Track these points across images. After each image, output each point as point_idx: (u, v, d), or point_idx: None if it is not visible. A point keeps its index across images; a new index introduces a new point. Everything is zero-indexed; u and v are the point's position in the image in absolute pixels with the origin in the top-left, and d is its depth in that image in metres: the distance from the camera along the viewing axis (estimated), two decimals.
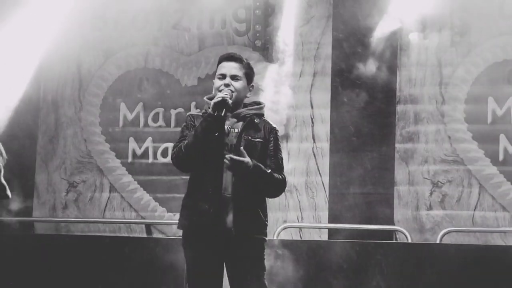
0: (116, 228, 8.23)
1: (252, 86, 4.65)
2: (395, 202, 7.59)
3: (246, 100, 4.66)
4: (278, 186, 4.56)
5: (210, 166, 4.45)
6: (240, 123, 4.56)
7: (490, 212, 7.40)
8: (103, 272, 6.83)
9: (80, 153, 8.47)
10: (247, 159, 4.38)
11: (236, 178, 4.44)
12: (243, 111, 4.58)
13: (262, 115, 4.66)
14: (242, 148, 4.42)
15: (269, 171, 4.47)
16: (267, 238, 4.59)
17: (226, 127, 4.51)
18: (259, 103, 4.70)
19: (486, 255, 6.25)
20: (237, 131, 4.52)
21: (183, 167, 4.58)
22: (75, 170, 8.45)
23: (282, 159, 4.62)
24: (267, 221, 4.58)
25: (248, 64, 4.64)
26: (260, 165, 4.45)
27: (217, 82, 4.57)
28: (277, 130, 4.65)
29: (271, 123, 4.66)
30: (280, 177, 4.55)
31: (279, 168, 4.57)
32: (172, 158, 4.58)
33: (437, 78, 7.63)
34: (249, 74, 4.62)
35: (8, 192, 4.67)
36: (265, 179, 4.47)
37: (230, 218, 4.42)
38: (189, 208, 4.53)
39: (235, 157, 4.36)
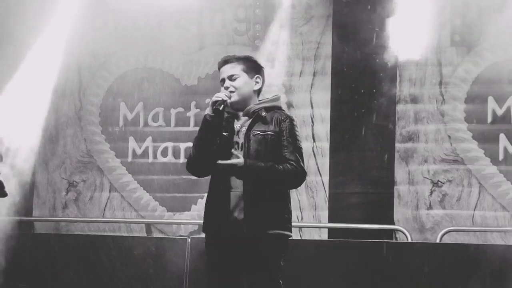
0: (116, 228, 8.23)
1: (258, 77, 4.52)
2: (395, 201, 7.58)
3: (261, 96, 4.57)
4: (288, 178, 4.35)
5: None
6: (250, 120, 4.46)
7: (490, 211, 7.39)
8: (103, 271, 6.83)
9: (80, 152, 8.47)
10: (236, 160, 4.27)
11: None
12: (251, 107, 4.47)
13: (274, 107, 4.52)
14: (233, 150, 4.33)
15: (269, 164, 4.30)
16: (287, 233, 4.44)
17: (236, 125, 4.45)
18: (273, 96, 4.59)
19: (486, 254, 6.23)
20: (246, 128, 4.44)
21: (195, 171, 4.54)
22: (75, 169, 8.45)
23: (298, 147, 4.42)
24: (287, 215, 4.44)
25: (245, 59, 4.53)
26: (256, 161, 4.31)
27: (221, 89, 4.51)
28: (292, 119, 4.49)
29: (283, 112, 4.52)
30: (290, 167, 4.32)
31: (295, 157, 4.36)
32: (186, 166, 4.56)
33: (437, 78, 7.62)
34: (248, 68, 4.49)
35: (6, 190, 4.67)
36: (266, 174, 4.30)
37: (241, 215, 4.32)
38: (205, 209, 4.49)
39: (221, 162, 4.26)
